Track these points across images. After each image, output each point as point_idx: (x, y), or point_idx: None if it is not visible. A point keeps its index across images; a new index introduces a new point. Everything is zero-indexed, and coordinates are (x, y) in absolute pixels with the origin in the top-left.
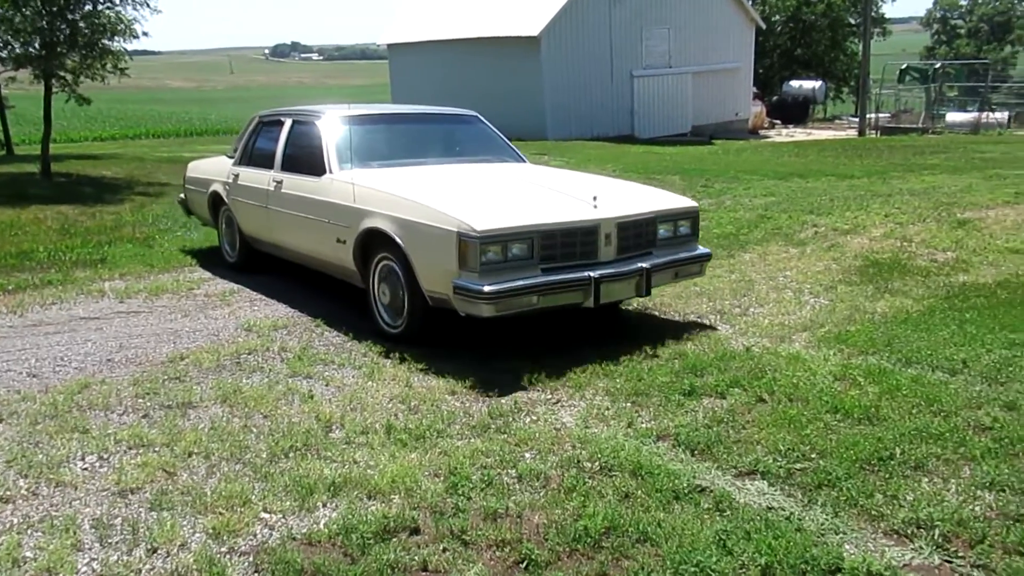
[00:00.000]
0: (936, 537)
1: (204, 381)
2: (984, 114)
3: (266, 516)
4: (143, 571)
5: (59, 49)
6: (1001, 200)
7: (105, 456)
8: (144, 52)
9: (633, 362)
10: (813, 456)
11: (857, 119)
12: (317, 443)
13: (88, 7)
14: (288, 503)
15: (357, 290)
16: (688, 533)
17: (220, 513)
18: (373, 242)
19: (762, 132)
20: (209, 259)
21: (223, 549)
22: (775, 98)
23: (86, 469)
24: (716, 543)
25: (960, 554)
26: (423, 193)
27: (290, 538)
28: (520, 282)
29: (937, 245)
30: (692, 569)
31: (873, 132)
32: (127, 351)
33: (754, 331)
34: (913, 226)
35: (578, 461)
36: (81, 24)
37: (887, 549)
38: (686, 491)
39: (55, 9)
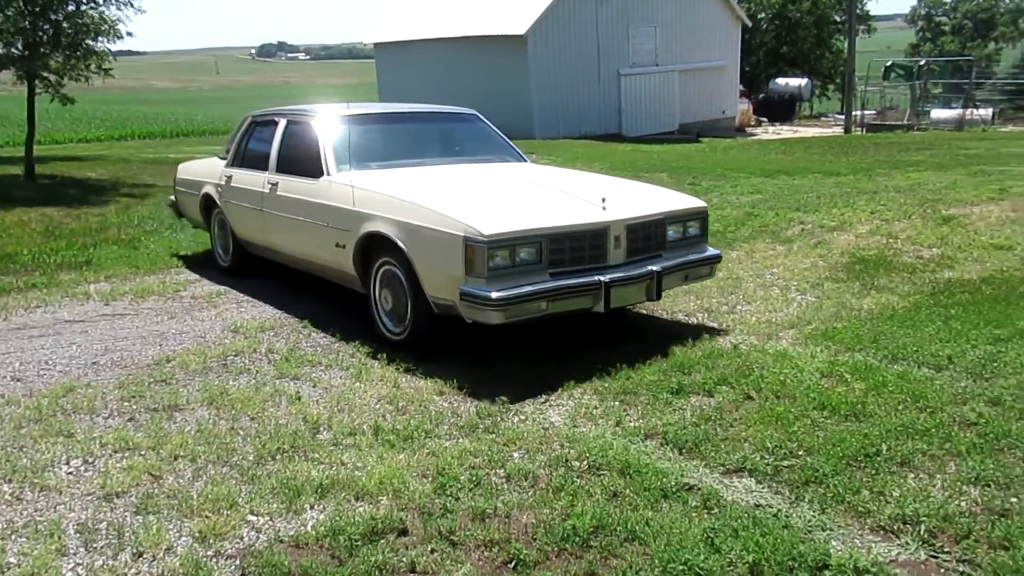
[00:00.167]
0: (922, 533)
1: (190, 383)
2: (968, 111)
3: (253, 519)
4: (128, 575)
5: (42, 50)
6: (986, 196)
7: (90, 460)
8: (129, 52)
9: (621, 360)
10: (800, 453)
11: (843, 116)
12: (304, 445)
13: (71, 7)
14: (275, 505)
15: (344, 291)
16: (676, 531)
17: (206, 516)
18: (374, 246)
19: (749, 130)
20: (195, 261)
21: (209, 552)
22: (761, 96)
23: (71, 473)
24: (704, 541)
25: (946, 549)
26: (426, 195)
27: (277, 540)
28: (529, 288)
29: (922, 242)
30: (680, 567)
31: (859, 129)
32: (112, 354)
33: (741, 328)
34: (899, 223)
35: (566, 460)
36: (64, 24)
37: (873, 545)
38: (674, 489)
39: (37, 9)
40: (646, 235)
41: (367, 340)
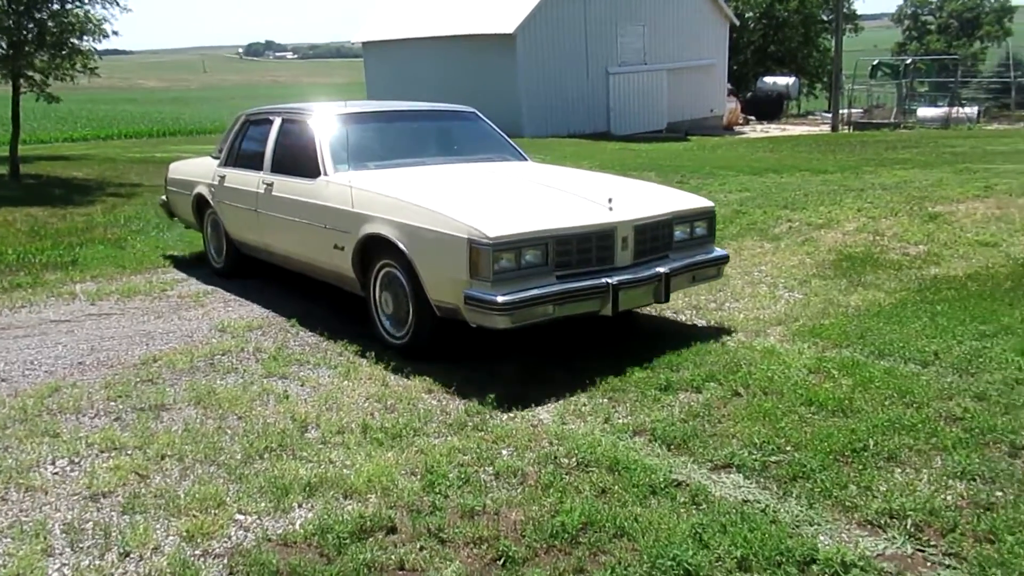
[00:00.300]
0: (908, 527)
1: (177, 383)
2: (954, 109)
3: (241, 518)
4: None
5: (27, 48)
6: (971, 194)
7: (76, 460)
8: (115, 52)
9: (609, 357)
10: (788, 449)
11: (830, 115)
12: (292, 443)
13: (56, 6)
14: (263, 504)
15: (332, 290)
16: (665, 527)
17: (194, 515)
18: (374, 248)
19: (737, 128)
20: (182, 260)
21: (197, 552)
22: (749, 94)
23: (56, 473)
24: (692, 536)
25: (932, 543)
26: (429, 196)
27: (265, 539)
28: (535, 291)
29: (909, 239)
30: (669, 563)
31: (846, 127)
32: (99, 354)
33: (729, 325)
34: (885, 220)
35: (555, 457)
36: (49, 23)
37: (861, 539)
38: (663, 485)
39: (21, 8)
40: (654, 236)
41: (355, 339)
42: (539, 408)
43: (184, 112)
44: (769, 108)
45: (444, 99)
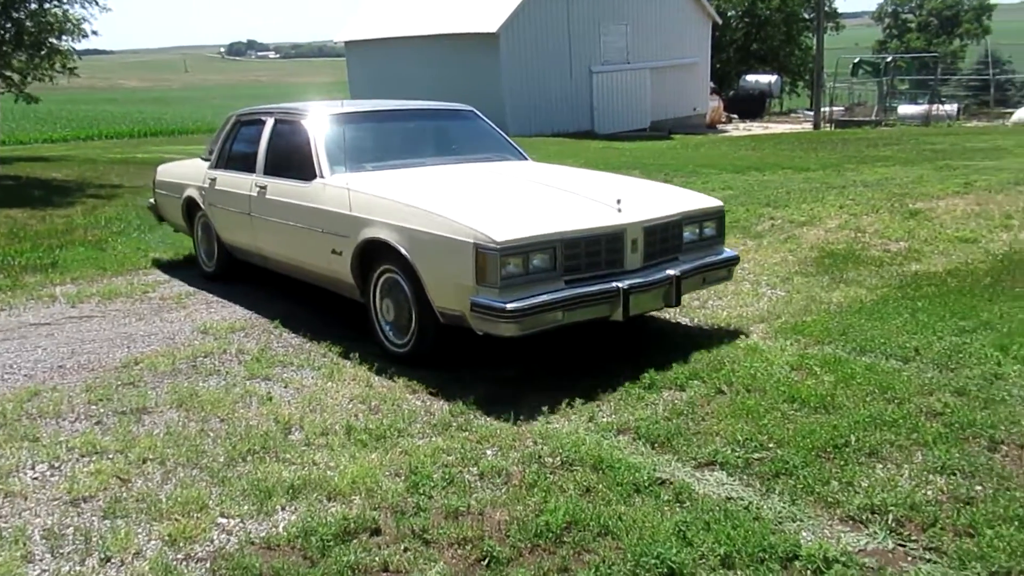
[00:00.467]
0: (890, 522)
1: (159, 386)
2: (934, 106)
3: (223, 521)
4: None
5: (4, 48)
6: (951, 191)
7: (56, 464)
8: (95, 51)
9: (593, 356)
10: (771, 446)
11: (812, 113)
12: (276, 446)
13: (34, 5)
14: (246, 507)
15: (315, 291)
16: (648, 525)
17: (176, 519)
18: (374, 254)
19: (720, 126)
20: (164, 262)
21: (179, 556)
22: (732, 93)
23: (36, 478)
24: (676, 534)
25: (913, 538)
26: (431, 199)
27: (248, 543)
28: (544, 297)
29: (890, 235)
30: (653, 561)
31: (828, 125)
32: (79, 357)
33: (713, 323)
34: (867, 217)
35: (539, 457)
36: (28, 23)
37: (843, 535)
38: (646, 484)
39: None
40: (663, 237)
41: (339, 340)
42: (523, 407)
43: (166, 112)
44: (752, 106)
45: (428, 98)
